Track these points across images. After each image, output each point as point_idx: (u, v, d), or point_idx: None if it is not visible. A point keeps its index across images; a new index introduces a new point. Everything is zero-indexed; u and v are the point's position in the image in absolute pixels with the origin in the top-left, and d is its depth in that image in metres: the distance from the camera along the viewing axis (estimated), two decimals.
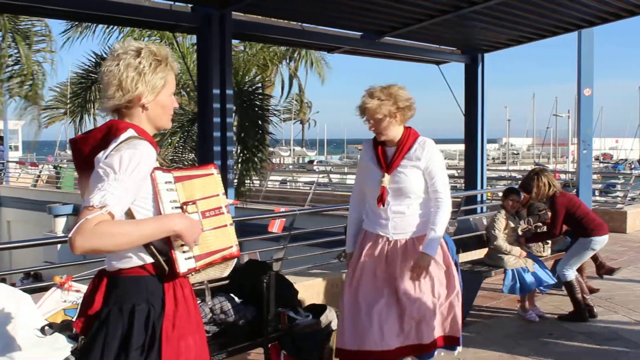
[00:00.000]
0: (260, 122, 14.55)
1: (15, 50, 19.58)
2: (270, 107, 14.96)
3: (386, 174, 4.72)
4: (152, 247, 2.76)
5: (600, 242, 7.74)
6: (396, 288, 4.71)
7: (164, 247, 2.77)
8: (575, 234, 7.90)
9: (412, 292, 4.72)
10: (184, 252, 2.78)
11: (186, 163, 14.95)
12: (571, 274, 7.71)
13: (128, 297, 2.76)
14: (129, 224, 2.65)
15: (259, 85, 17.92)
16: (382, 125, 4.70)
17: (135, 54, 2.81)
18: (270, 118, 15.21)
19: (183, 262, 2.78)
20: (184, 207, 2.81)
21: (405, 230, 4.78)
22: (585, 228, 7.68)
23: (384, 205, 4.72)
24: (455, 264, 5.30)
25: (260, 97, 14.95)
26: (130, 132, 2.74)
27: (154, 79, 2.82)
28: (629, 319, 7.60)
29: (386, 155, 4.81)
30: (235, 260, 3.06)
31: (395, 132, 4.74)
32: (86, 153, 2.77)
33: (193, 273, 2.83)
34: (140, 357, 2.73)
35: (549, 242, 8.58)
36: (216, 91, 7.97)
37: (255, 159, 14.94)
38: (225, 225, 2.95)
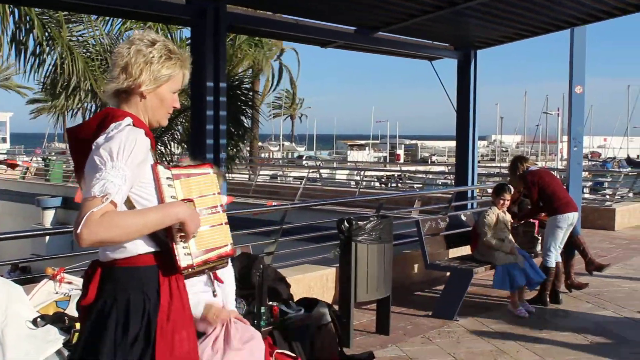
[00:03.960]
0: (242, 117, 14.39)
1: None
2: (250, 101, 14.75)
3: None
4: (159, 237, 2.77)
5: (566, 220, 8.05)
6: None
7: (165, 239, 2.78)
8: (547, 214, 8.20)
9: None
10: (183, 247, 2.79)
11: (169, 158, 14.81)
12: (552, 260, 8.03)
13: (123, 288, 2.76)
14: (134, 214, 2.66)
15: (244, 79, 17.77)
16: None
17: (149, 44, 2.84)
18: (250, 113, 15.03)
19: (183, 257, 2.80)
20: None
21: None
22: (552, 206, 8.05)
23: None
24: None
25: (243, 91, 14.79)
26: (127, 121, 2.75)
27: (160, 71, 2.84)
28: (618, 315, 7.65)
29: None
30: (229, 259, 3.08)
31: None
32: (82, 141, 2.77)
33: (190, 270, 2.84)
34: (136, 348, 2.72)
35: (540, 238, 8.64)
36: (210, 84, 7.95)
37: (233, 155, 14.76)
38: (221, 224, 2.98)
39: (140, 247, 2.77)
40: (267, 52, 35.49)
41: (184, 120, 14.54)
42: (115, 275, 2.77)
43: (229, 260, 3.18)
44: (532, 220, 8.78)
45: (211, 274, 4.03)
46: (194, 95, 8.49)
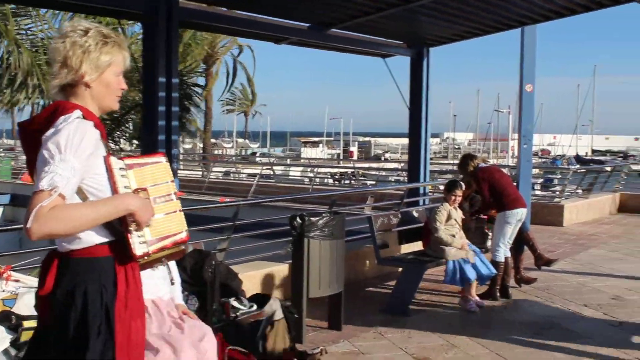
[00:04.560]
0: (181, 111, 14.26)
1: None
2: (196, 96, 14.60)
3: None
4: (115, 227, 2.77)
5: (515, 215, 8.21)
6: None
7: (120, 229, 2.77)
8: (496, 210, 8.35)
9: None
10: (138, 236, 2.80)
11: (120, 154, 14.64)
12: (501, 255, 8.19)
13: (80, 279, 2.76)
14: (83, 206, 2.67)
15: (187, 73, 17.62)
16: None
17: (82, 33, 2.82)
18: (191, 109, 14.89)
19: (138, 245, 2.81)
20: (137, 193, 2.85)
21: None
22: (501, 202, 8.21)
23: None
24: None
25: (185, 86, 14.63)
26: (77, 113, 2.75)
27: (99, 57, 2.83)
28: (565, 309, 7.79)
29: None
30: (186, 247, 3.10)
31: None
32: (33, 136, 2.76)
33: (146, 257, 2.85)
34: (97, 338, 2.73)
35: (490, 233, 8.75)
36: (162, 79, 7.89)
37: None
38: (176, 211, 3.01)
39: (96, 237, 2.78)
40: (219, 48, 35.41)
41: (135, 117, 14.39)
42: (71, 266, 2.78)
43: (183, 248, 3.19)
44: (482, 216, 8.90)
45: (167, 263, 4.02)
46: (145, 91, 8.42)
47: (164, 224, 2.92)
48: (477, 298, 7.94)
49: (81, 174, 2.67)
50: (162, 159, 3.03)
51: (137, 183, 2.87)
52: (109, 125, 15.51)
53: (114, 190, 2.78)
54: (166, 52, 7.99)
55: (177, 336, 4.16)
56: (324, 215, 6.72)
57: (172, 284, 4.31)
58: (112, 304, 2.77)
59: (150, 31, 8.17)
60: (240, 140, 77.97)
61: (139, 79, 10.98)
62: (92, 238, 2.77)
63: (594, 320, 7.36)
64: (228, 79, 42.75)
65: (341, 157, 65.40)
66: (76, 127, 2.67)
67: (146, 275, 4.05)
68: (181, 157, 32.62)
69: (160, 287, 4.41)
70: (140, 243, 2.81)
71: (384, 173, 31.33)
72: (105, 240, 2.80)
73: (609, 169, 19.70)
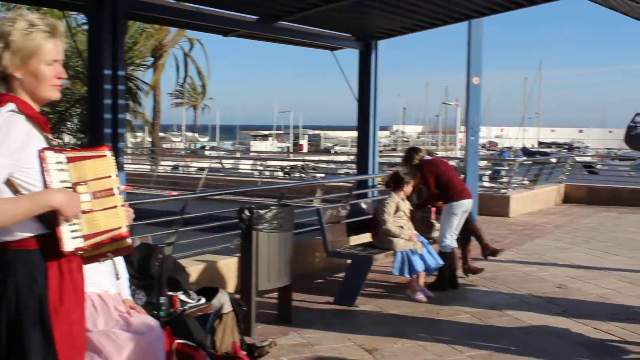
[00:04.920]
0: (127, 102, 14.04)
1: None
2: (138, 89, 14.41)
3: None
4: (49, 220, 2.75)
5: (460, 207, 8.36)
6: None
7: (52, 223, 2.74)
8: (443, 201, 8.47)
9: None
10: (72, 230, 2.76)
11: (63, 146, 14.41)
12: (448, 245, 8.32)
13: (13, 270, 2.75)
14: (5, 202, 2.65)
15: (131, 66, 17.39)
16: None
17: (9, 23, 2.77)
18: (133, 102, 14.70)
19: (69, 240, 2.77)
20: (75, 187, 2.82)
21: None
22: (447, 194, 8.36)
23: None
24: None
25: (131, 79, 14.42)
26: (9, 107, 2.73)
27: (23, 47, 2.76)
28: (512, 298, 7.92)
29: None
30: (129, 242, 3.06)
31: None
32: None
33: (80, 252, 2.82)
34: (33, 331, 2.73)
35: (436, 225, 8.85)
36: (108, 72, 7.77)
37: None
38: (116, 207, 2.97)
39: (29, 230, 2.76)
40: (166, 41, 35.08)
41: (80, 110, 14.16)
42: (6, 258, 2.76)
43: (129, 243, 3.15)
44: (431, 207, 9.00)
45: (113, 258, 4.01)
46: (91, 84, 8.28)
47: (102, 219, 2.89)
48: (425, 288, 8.02)
49: (8, 169, 2.66)
50: (107, 153, 3.00)
51: (77, 177, 2.83)
52: (53, 119, 15.26)
53: (45, 184, 2.74)
54: (112, 44, 7.87)
55: (122, 332, 4.14)
56: (272, 207, 6.71)
57: (118, 278, 4.28)
58: (45, 296, 2.76)
59: (95, 23, 8.04)
60: (189, 134, 77.32)
61: (85, 71, 10.80)
62: (25, 231, 2.76)
63: (539, 308, 7.50)
64: (179, 73, 42.46)
65: (291, 150, 65.34)
66: (5, 121, 2.66)
67: (92, 270, 4.02)
68: (129, 150, 32.28)
69: (106, 281, 4.38)
70: (73, 238, 2.77)
71: (333, 166, 31.41)
72: (39, 233, 2.78)
73: (554, 160, 20.06)
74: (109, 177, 2.95)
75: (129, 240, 3.04)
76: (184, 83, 52.28)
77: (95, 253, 2.95)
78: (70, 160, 2.83)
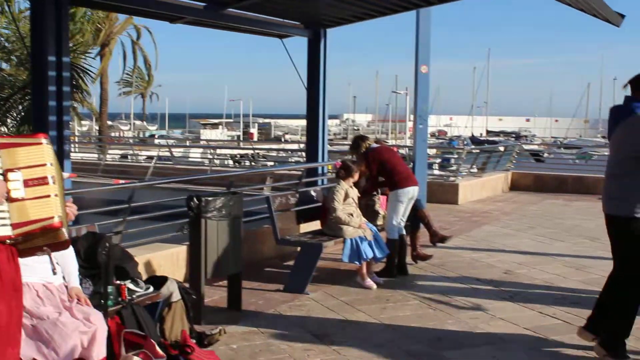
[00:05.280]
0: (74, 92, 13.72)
1: None
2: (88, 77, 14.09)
3: None
4: None
5: (406, 194, 8.40)
6: None
7: None
8: (389, 189, 8.53)
9: None
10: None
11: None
12: (394, 233, 8.36)
13: None
14: None
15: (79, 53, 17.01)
16: None
17: None
18: (82, 90, 14.40)
19: None
20: (6, 174, 2.74)
21: None
22: (393, 181, 8.41)
23: None
24: None
25: (76, 66, 14.12)
26: None
27: None
28: (460, 284, 8.03)
29: None
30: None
31: None
32: None
33: (10, 241, 2.74)
34: None
35: (381, 212, 8.90)
36: (52, 58, 7.62)
37: None
38: (49, 196, 2.88)
39: None
40: (113, 28, 34.59)
41: (23, 98, 13.85)
42: None
43: (66, 238, 3.07)
44: (380, 195, 9.05)
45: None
46: (34, 71, 8.12)
47: (32, 209, 2.81)
48: (375, 275, 8.07)
49: None
50: (42, 141, 2.91)
51: (9, 164, 2.75)
52: None
53: None
54: (56, 30, 7.71)
55: (70, 321, 4.09)
56: (221, 195, 6.68)
57: (54, 273, 4.20)
58: None
59: (38, 8, 7.88)
60: (137, 122, 76.42)
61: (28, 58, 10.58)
62: None
63: (487, 293, 7.61)
64: (126, 61, 41.94)
65: (241, 139, 65.07)
66: None
67: (37, 261, 3.95)
68: (76, 139, 31.76)
69: (50, 272, 4.31)
70: (0, 225, 2.70)
71: (283, 154, 31.38)
72: None
73: (501, 148, 20.33)
74: (44, 165, 2.86)
75: (65, 235, 2.95)
76: (132, 70, 51.53)
77: (30, 246, 2.86)
78: (2, 146, 2.75)
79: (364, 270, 7.93)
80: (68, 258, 4.58)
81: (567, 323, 6.48)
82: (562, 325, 6.43)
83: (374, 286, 7.82)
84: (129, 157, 30.53)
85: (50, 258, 3.99)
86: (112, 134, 52.64)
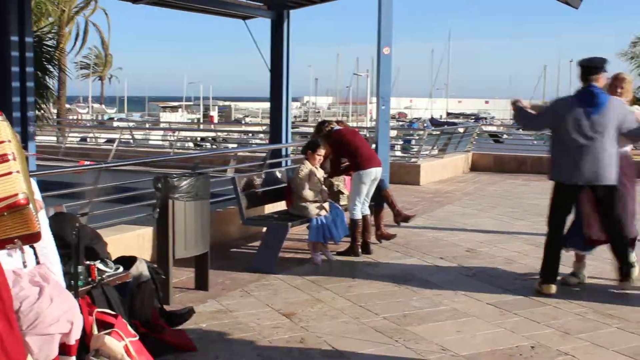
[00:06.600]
0: (45, 76, 13.53)
1: None
2: (55, 60, 13.88)
3: None
4: None
5: (369, 175, 8.48)
6: None
7: None
8: (352, 170, 8.60)
9: None
10: None
11: None
12: (357, 213, 8.44)
13: None
14: None
15: (46, 35, 16.73)
16: None
17: None
18: (56, 72, 14.18)
19: None
20: None
21: None
22: (355, 162, 8.47)
23: None
24: None
25: (46, 48, 13.90)
26: None
27: None
28: (424, 262, 8.17)
29: None
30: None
31: None
32: None
33: None
34: None
35: (345, 192, 8.99)
36: (14, 38, 7.56)
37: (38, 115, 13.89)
38: (10, 173, 2.83)
39: None
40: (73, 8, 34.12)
41: None
42: None
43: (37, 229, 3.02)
44: (344, 176, 9.13)
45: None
46: None
47: None
48: (328, 251, 8.20)
49: None
50: None
51: None
52: None
53: None
54: (18, 9, 7.64)
55: (42, 299, 4.10)
56: (188, 176, 6.71)
57: (25, 266, 4.19)
58: None
59: None
60: (96, 105, 75.56)
61: None
62: None
63: (450, 271, 7.77)
64: (84, 42, 41.43)
65: (201, 122, 64.71)
66: None
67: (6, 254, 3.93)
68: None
69: (18, 258, 4.29)
70: None
71: (244, 136, 31.33)
72: None
73: (461, 130, 20.54)
74: (2, 142, 2.82)
75: (34, 219, 2.91)
76: (90, 52, 50.93)
77: (5, 238, 2.82)
78: None
79: (317, 246, 8.06)
80: (46, 237, 4.54)
81: (528, 298, 6.67)
82: (523, 300, 6.61)
83: (320, 262, 7.97)
84: (89, 140, 30.23)
85: (22, 252, 3.96)
86: (70, 117, 51.92)
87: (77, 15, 37.93)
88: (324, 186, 8.30)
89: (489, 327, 5.85)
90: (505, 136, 29.35)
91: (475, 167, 18.53)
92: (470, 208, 12.23)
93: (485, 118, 73.25)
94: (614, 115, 6.56)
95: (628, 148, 7.16)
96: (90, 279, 5.09)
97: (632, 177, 7.11)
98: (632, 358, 5.20)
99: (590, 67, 6.63)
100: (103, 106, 77.66)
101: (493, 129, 38.51)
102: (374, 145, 11.61)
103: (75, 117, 56.48)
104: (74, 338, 4.05)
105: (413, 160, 16.86)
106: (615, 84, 7.07)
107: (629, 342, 5.52)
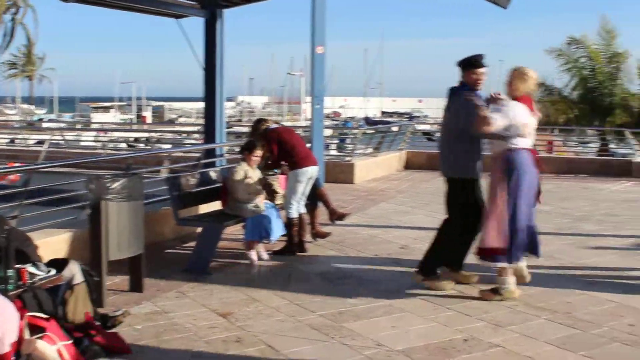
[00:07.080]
0: None
1: None
2: None
3: None
4: None
5: (305, 173, 8.56)
6: None
7: None
8: (288, 168, 8.67)
9: None
10: None
11: None
12: (293, 212, 8.53)
13: None
14: None
15: None
16: None
17: None
18: None
19: None
20: None
21: None
22: (292, 161, 8.55)
23: None
24: None
25: None
26: None
27: None
28: (359, 259, 8.26)
29: None
30: None
31: None
32: None
33: None
34: None
35: (280, 192, 9.00)
36: None
37: None
38: None
39: None
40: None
41: None
42: None
43: None
44: (279, 175, 9.15)
45: None
46: None
47: None
48: (262, 251, 8.20)
49: None
50: None
51: None
52: None
53: None
54: None
55: None
56: (120, 177, 6.64)
57: None
58: None
59: None
60: (25, 106, 73.86)
61: None
62: None
63: (385, 267, 7.87)
64: (10, 42, 40.48)
65: (134, 122, 63.86)
66: None
67: None
68: None
69: None
70: None
71: (178, 137, 31.05)
72: None
73: (395, 129, 20.75)
74: None
75: None
76: (8, 46, 49.68)
77: None
78: None
79: (253, 245, 8.06)
80: None
81: (459, 291, 6.81)
82: (457, 293, 6.75)
83: (256, 261, 7.97)
84: (18, 141, 29.56)
85: None
86: None
87: (4, 14, 36.94)
88: (259, 186, 8.29)
89: (422, 322, 5.96)
90: (437, 135, 29.75)
91: (408, 165, 18.75)
92: (404, 205, 12.38)
93: (419, 117, 74.14)
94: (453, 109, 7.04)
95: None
96: (20, 283, 5.01)
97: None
98: (559, 347, 5.37)
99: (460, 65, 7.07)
100: (32, 107, 75.96)
101: (426, 127, 38.97)
102: (309, 144, 11.66)
103: (2, 119, 55.16)
104: (7, 344, 3.99)
105: (347, 159, 16.96)
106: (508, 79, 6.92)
107: (556, 333, 5.69)
